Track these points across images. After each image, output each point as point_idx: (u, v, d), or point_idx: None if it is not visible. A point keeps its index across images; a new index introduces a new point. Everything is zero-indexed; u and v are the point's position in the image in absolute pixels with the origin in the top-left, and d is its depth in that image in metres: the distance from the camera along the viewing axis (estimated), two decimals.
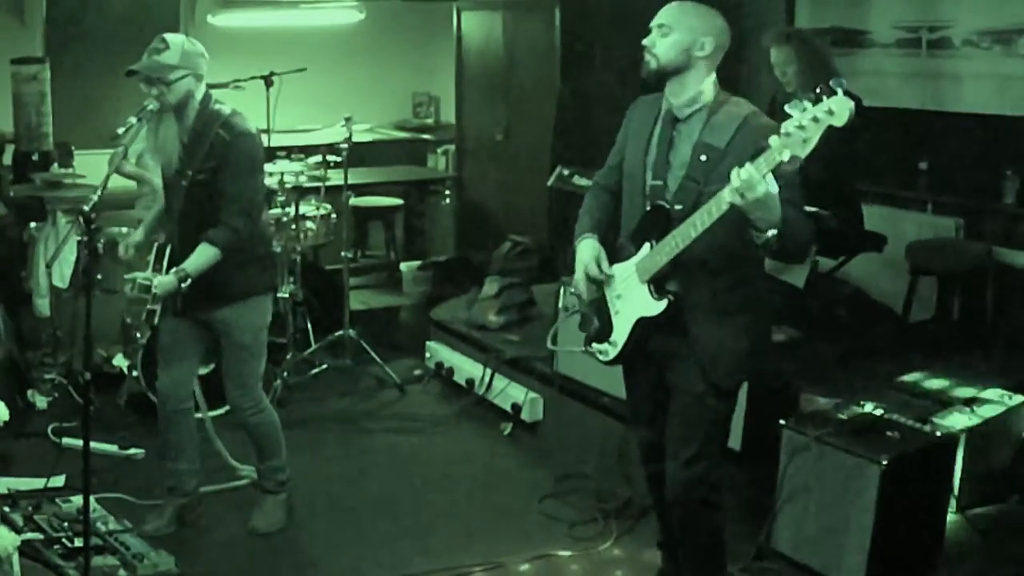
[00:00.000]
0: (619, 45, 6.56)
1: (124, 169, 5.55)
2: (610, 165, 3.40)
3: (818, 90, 2.66)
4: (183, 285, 3.70)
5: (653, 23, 3.13)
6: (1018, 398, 4.17)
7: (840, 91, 2.62)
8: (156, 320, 3.94)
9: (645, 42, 3.11)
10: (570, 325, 3.63)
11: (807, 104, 2.66)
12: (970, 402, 4.11)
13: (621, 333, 3.21)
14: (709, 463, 3.20)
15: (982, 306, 5.51)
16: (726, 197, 2.80)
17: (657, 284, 3.11)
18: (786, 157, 2.70)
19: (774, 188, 2.77)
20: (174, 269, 3.73)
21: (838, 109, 2.63)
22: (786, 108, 2.72)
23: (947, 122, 5.83)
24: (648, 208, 3.15)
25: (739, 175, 2.74)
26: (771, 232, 2.83)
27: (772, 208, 2.79)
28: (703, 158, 3.03)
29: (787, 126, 2.68)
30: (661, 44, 3.08)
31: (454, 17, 8.01)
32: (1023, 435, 4.19)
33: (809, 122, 2.65)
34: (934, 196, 5.88)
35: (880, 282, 5.77)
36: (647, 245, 3.12)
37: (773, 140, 2.72)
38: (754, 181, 2.72)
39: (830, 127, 2.65)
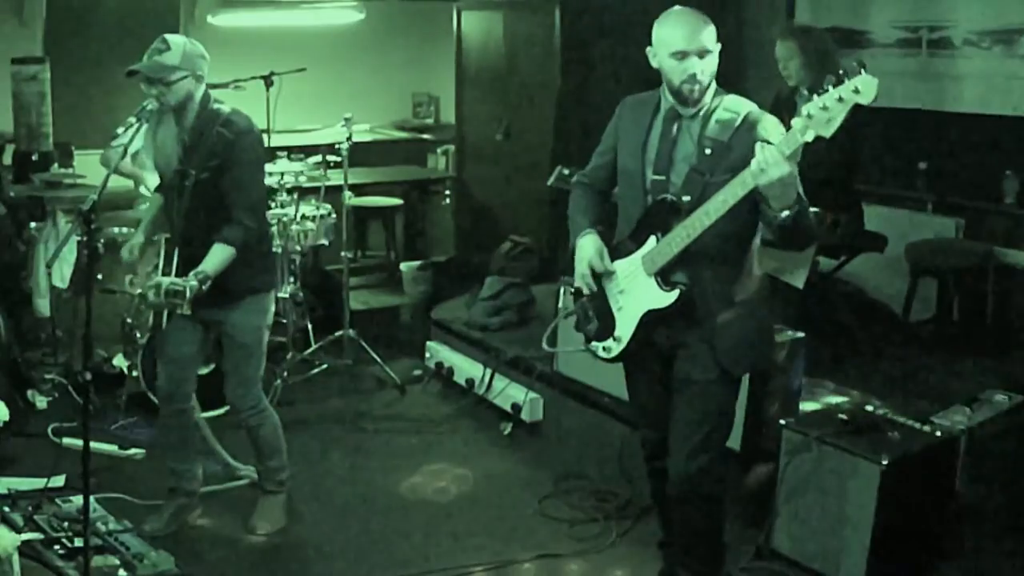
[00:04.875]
0: (619, 45, 6.58)
1: (121, 168, 5.55)
2: (597, 164, 3.41)
3: (840, 72, 2.67)
4: (203, 287, 3.67)
5: (693, 48, 3.02)
6: (1018, 398, 4.18)
7: (864, 71, 2.63)
8: (164, 322, 3.93)
9: (695, 72, 3.03)
10: (570, 325, 3.63)
11: (829, 86, 2.68)
12: (970, 402, 4.11)
13: (626, 328, 3.22)
14: (713, 455, 3.21)
15: (982, 306, 5.51)
16: (749, 178, 2.82)
17: (665, 276, 3.12)
18: (810, 138, 2.74)
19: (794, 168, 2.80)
20: (193, 272, 3.68)
21: (864, 87, 2.66)
22: (803, 97, 2.73)
23: (947, 122, 5.84)
24: (650, 202, 3.15)
25: (763, 152, 2.77)
26: (785, 213, 2.87)
27: (790, 188, 2.83)
28: (708, 151, 3.05)
29: (810, 108, 2.71)
30: (707, 69, 3.06)
31: (454, 17, 8.00)
32: (1022, 435, 4.19)
33: (834, 103, 2.68)
34: (934, 196, 5.89)
35: (880, 282, 5.77)
36: (652, 238, 3.13)
37: (796, 121, 2.74)
38: (777, 161, 2.75)
39: (856, 106, 2.67)
